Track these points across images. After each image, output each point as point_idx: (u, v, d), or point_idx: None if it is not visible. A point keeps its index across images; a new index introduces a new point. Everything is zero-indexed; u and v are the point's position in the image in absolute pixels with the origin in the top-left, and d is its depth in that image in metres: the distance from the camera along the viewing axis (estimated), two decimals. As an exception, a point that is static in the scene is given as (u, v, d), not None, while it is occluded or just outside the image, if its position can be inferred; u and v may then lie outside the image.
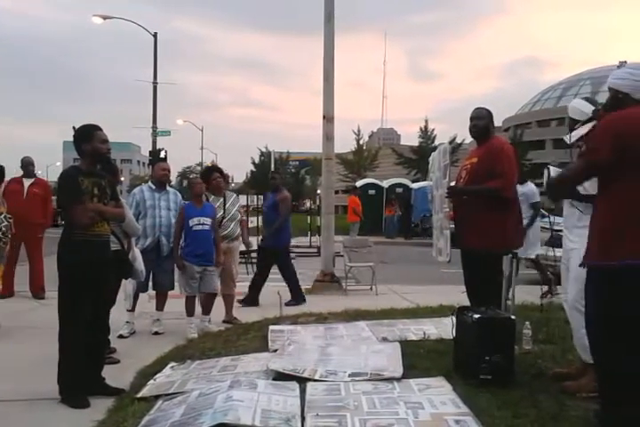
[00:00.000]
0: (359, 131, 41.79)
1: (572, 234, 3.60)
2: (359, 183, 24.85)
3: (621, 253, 2.62)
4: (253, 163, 47.64)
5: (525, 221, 7.08)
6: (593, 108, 3.58)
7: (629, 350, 2.66)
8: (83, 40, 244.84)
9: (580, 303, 3.49)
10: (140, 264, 4.59)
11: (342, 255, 8.71)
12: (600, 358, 2.77)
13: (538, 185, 7.59)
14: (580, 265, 2.88)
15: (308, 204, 35.00)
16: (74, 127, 3.82)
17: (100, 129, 3.82)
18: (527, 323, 4.51)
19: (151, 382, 3.84)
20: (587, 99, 3.83)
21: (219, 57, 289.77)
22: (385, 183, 23.43)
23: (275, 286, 8.58)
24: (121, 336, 5.22)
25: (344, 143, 55.52)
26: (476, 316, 3.64)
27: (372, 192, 22.76)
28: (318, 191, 21.25)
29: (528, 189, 7.59)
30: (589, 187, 3.51)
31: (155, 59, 21.48)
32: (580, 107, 3.70)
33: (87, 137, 3.74)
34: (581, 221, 3.36)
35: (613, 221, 2.68)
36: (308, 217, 18.29)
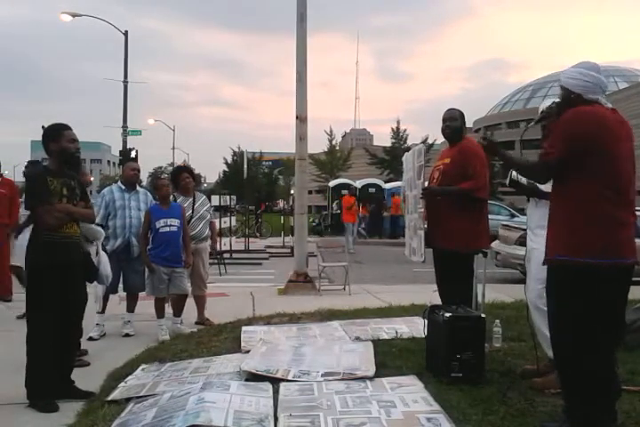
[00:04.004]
0: (331, 131, 41.97)
1: (534, 234, 3.67)
2: (332, 183, 24.95)
3: (586, 251, 2.66)
4: (226, 163, 47.28)
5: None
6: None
7: (591, 347, 2.72)
8: (51, 38, 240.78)
9: (540, 302, 3.56)
10: (104, 268, 4.48)
11: (316, 255, 8.72)
12: (566, 356, 2.81)
13: (503, 184, 7.65)
14: (543, 263, 2.92)
15: (281, 204, 35.05)
16: (43, 126, 3.76)
17: (69, 128, 3.75)
18: (497, 321, 4.59)
19: (122, 384, 3.79)
20: None
21: (187, 56, 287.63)
22: (358, 183, 23.54)
23: (247, 286, 8.57)
24: (91, 338, 5.14)
25: (316, 143, 55.81)
26: (447, 314, 3.68)
27: (344, 192, 22.85)
28: (292, 191, 21.22)
29: None
30: (542, 185, 3.57)
31: (125, 57, 21.17)
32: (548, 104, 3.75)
33: (55, 136, 3.68)
34: (543, 221, 3.39)
35: (573, 219, 2.72)
36: (282, 217, 18.29)
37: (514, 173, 3.80)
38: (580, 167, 2.70)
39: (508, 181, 3.87)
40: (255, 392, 3.39)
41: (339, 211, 22.98)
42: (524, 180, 3.76)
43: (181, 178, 6.03)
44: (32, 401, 3.50)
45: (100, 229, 4.57)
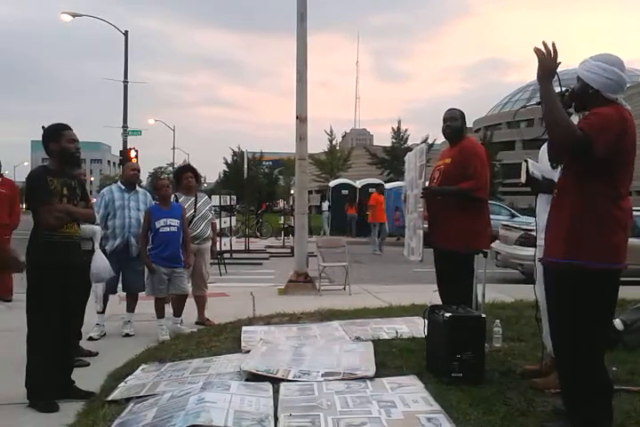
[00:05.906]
0: (331, 131, 41.92)
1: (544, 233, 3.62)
2: (332, 183, 24.94)
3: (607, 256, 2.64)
4: (226, 163, 47.23)
5: None
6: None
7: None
8: (51, 38, 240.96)
9: None
10: (96, 267, 4.45)
11: (316, 255, 8.71)
12: (575, 359, 2.77)
13: (511, 185, 7.51)
14: (540, 261, 2.88)
15: (281, 204, 35.07)
16: (43, 126, 3.76)
17: (69, 128, 3.75)
18: (497, 321, 4.58)
19: (122, 384, 3.79)
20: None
21: (187, 56, 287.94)
22: (358, 183, 23.55)
23: (247, 286, 8.57)
24: (91, 338, 5.14)
25: (316, 143, 55.86)
26: (447, 314, 3.68)
27: (345, 192, 22.89)
28: (292, 191, 21.20)
29: None
30: (538, 172, 3.49)
31: (125, 57, 21.17)
32: None
33: (55, 136, 3.68)
34: None
35: (584, 220, 2.68)
36: (282, 217, 18.30)
37: (530, 168, 3.62)
38: (606, 169, 2.63)
39: (524, 179, 3.60)
40: (255, 392, 3.39)
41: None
42: (539, 175, 3.59)
43: (184, 177, 6.02)
44: (32, 401, 3.49)
45: (94, 226, 4.55)
